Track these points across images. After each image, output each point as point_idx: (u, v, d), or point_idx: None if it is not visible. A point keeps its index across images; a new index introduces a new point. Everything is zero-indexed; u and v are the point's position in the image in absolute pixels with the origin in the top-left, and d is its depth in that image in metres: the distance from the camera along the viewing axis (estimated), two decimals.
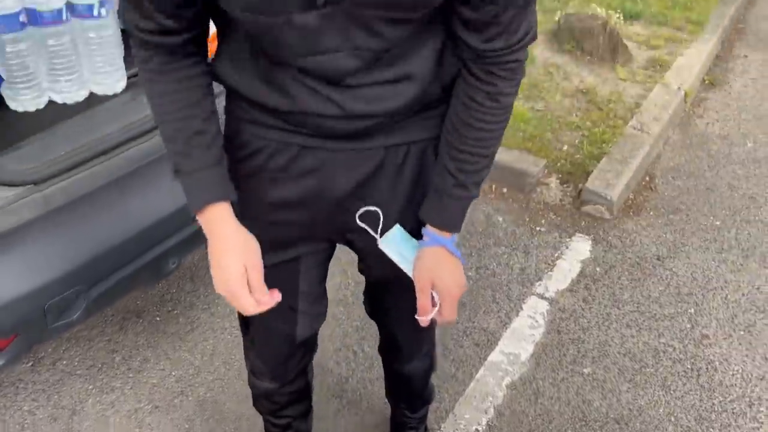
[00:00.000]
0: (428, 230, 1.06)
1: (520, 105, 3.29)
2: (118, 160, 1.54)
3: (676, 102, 3.42)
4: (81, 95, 1.72)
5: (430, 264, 1.05)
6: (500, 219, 2.72)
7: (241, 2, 0.82)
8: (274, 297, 0.97)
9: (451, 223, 1.05)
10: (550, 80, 3.54)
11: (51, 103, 1.70)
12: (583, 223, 2.72)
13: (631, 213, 2.79)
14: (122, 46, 1.77)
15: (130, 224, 1.55)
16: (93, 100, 1.72)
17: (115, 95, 1.73)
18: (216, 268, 0.95)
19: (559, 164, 2.95)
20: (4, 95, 1.63)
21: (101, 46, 1.68)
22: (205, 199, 0.95)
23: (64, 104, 1.70)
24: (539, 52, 3.81)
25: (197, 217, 0.97)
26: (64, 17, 1.61)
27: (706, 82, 3.89)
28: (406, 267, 1.09)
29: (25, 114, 1.65)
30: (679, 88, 3.56)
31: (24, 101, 1.65)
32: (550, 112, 3.28)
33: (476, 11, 0.87)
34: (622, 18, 4.27)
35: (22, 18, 1.56)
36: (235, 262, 0.94)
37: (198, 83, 0.96)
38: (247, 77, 0.96)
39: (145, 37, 0.91)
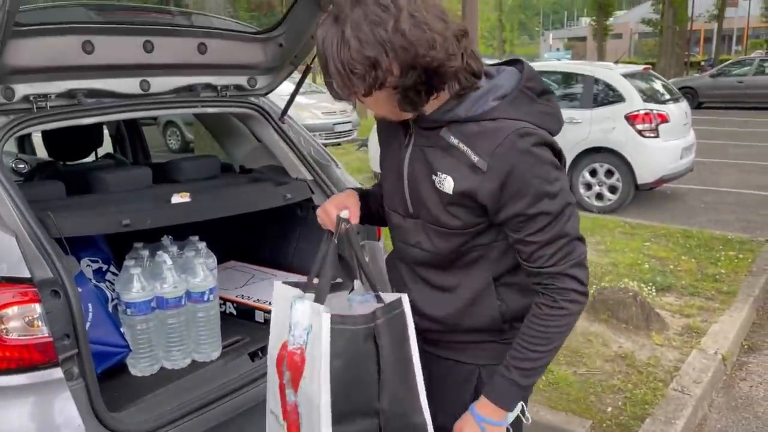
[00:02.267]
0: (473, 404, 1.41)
1: (562, 370, 3.54)
2: (213, 412, 1.89)
3: (714, 365, 3.60)
4: (185, 362, 2.15)
5: (460, 422, 1.42)
6: None
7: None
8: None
9: (491, 395, 1.38)
10: (589, 346, 3.82)
11: (162, 368, 2.13)
12: None
13: None
14: (219, 323, 2.25)
15: None
16: (194, 365, 2.14)
17: (211, 362, 2.16)
18: None
19: (604, 425, 3.09)
20: (128, 364, 2.08)
21: (206, 323, 2.16)
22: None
23: (172, 369, 2.12)
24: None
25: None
26: (183, 302, 2.12)
27: (746, 347, 4.08)
28: None
29: (142, 377, 2.07)
30: (716, 352, 3.76)
31: (143, 368, 2.08)
32: (592, 376, 3.50)
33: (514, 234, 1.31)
34: (654, 290, 4.66)
35: (153, 304, 2.08)
36: None
37: None
38: None
39: None
